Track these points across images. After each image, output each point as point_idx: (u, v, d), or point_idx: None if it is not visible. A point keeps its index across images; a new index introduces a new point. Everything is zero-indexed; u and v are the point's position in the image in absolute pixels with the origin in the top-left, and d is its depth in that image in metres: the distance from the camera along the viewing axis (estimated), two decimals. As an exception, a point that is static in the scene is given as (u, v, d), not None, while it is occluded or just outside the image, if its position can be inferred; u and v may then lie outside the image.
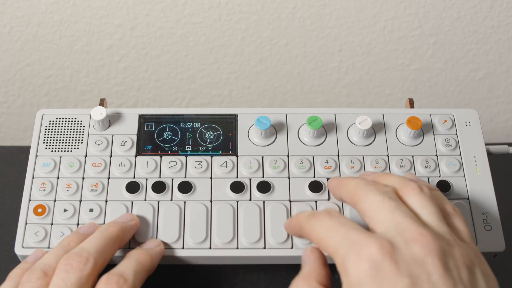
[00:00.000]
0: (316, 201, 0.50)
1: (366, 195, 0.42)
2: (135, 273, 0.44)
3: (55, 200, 0.50)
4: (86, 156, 0.52)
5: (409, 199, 0.42)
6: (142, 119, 0.54)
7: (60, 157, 0.52)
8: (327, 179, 0.51)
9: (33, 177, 0.51)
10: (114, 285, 0.42)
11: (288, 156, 0.52)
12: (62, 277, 0.42)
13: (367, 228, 0.42)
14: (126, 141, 0.53)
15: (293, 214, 0.48)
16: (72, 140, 0.53)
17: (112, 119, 0.54)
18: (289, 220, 0.47)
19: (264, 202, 0.50)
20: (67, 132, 0.53)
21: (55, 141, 0.53)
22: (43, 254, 0.46)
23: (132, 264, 0.44)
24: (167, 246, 0.48)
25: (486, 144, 0.54)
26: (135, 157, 0.52)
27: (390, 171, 0.52)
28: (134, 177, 0.51)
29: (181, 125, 0.54)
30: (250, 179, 0.51)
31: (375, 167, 0.52)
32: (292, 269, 0.53)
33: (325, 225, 0.41)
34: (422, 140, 0.53)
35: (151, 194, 0.50)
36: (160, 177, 0.51)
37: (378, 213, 0.41)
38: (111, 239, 0.45)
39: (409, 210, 0.41)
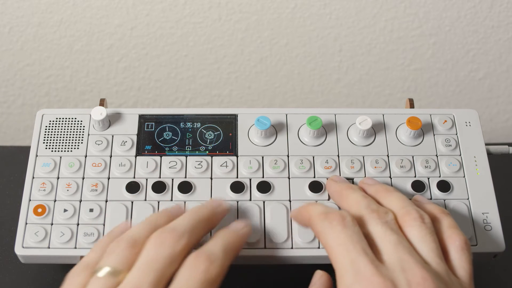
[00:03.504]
0: (316, 201, 0.50)
1: (368, 222, 0.43)
2: (224, 252, 0.43)
3: (55, 200, 0.50)
4: (86, 156, 0.52)
5: (409, 231, 0.43)
6: (142, 119, 0.54)
7: (60, 157, 0.52)
8: (327, 179, 0.51)
9: (33, 177, 0.51)
10: (204, 262, 0.41)
11: (288, 156, 0.52)
12: (155, 251, 0.41)
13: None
14: (126, 141, 0.53)
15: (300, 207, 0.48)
16: (72, 140, 0.53)
17: (112, 119, 0.54)
18: (298, 209, 0.47)
19: (264, 202, 0.50)
20: (67, 132, 0.53)
21: (55, 141, 0.53)
22: (128, 227, 0.46)
23: (220, 243, 0.43)
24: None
25: (486, 144, 0.54)
26: (135, 157, 0.52)
27: (390, 171, 0.52)
28: (134, 177, 0.51)
29: (181, 125, 0.54)
30: (250, 179, 0.51)
31: (375, 167, 0.52)
32: (293, 268, 0.53)
33: (337, 238, 0.42)
34: (422, 140, 0.53)
35: (151, 194, 0.50)
36: (160, 177, 0.51)
37: (380, 242, 0.42)
38: (203, 220, 0.45)
39: (410, 247, 0.42)
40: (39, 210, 0.49)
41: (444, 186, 0.51)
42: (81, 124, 0.54)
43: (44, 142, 0.53)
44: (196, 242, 0.44)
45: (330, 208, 0.45)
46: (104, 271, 0.41)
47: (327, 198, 0.50)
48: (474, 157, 0.53)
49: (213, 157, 0.52)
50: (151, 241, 0.42)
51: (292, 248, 0.48)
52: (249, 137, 0.53)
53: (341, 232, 0.42)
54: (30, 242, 0.48)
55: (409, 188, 0.51)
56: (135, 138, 0.53)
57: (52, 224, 0.49)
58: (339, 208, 0.49)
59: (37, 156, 0.52)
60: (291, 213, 0.49)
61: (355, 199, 0.46)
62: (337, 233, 0.42)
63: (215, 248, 0.43)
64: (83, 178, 0.51)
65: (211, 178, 0.51)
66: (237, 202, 0.50)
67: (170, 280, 0.41)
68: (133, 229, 0.44)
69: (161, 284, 0.40)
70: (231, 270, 0.53)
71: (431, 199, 0.51)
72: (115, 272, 0.41)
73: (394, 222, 0.43)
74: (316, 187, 0.51)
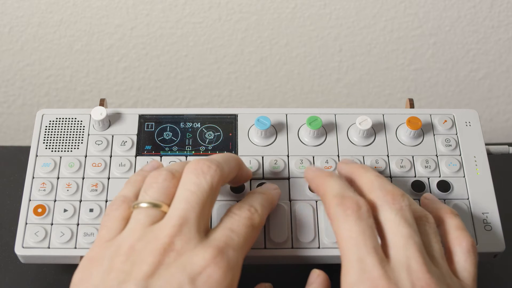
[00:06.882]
0: (316, 201, 0.50)
1: (382, 207, 0.43)
2: (262, 207, 0.44)
3: (55, 200, 0.50)
4: (86, 156, 0.52)
5: (418, 227, 0.43)
6: (142, 119, 0.54)
7: (60, 157, 0.52)
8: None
9: (33, 177, 0.51)
10: (246, 212, 0.43)
11: (288, 156, 0.52)
12: (194, 181, 0.42)
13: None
14: (126, 141, 0.53)
15: (317, 169, 0.48)
16: (72, 140, 0.53)
17: (112, 119, 0.54)
18: (313, 175, 0.47)
19: (264, 202, 0.50)
20: (67, 132, 0.53)
21: (55, 141, 0.53)
22: (159, 165, 0.47)
23: (258, 198, 0.45)
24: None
25: (486, 144, 0.54)
26: (135, 157, 0.52)
27: (390, 171, 0.52)
28: (134, 177, 0.51)
29: (181, 125, 0.54)
30: (250, 179, 0.51)
31: (375, 167, 0.52)
32: (293, 268, 0.53)
33: (350, 230, 0.41)
34: (422, 140, 0.53)
35: (151, 194, 0.50)
36: (160, 177, 0.51)
37: (391, 234, 0.41)
38: (235, 159, 0.46)
39: (421, 242, 0.41)
40: (39, 210, 0.49)
41: (444, 186, 0.51)
42: (81, 124, 0.54)
43: (44, 142, 0.53)
44: (228, 177, 0.45)
45: (346, 191, 0.43)
46: (146, 203, 0.42)
47: (327, 198, 0.50)
48: (474, 157, 0.53)
49: (213, 157, 0.52)
50: (189, 170, 0.42)
51: (292, 248, 0.48)
52: (249, 137, 0.53)
53: (355, 225, 0.41)
54: (30, 242, 0.48)
55: (409, 188, 0.51)
56: (135, 138, 0.53)
57: (52, 224, 0.49)
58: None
59: (37, 156, 0.52)
60: (305, 171, 0.48)
61: (368, 179, 0.45)
62: (350, 224, 0.41)
63: (254, 202, 0.44)
64: (83, 178, 0.51)
65: (211, 178, 0.51)
66: (237, 202, 0.50)
67: (209, 212, 0.42)
68: (169, 165, 0.45)
69: (204, 216, 0.41)
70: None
71: (431, 199, 0.51)
72: (157, 204, 0.42)
73: (409, 209, 0.42)
74: (316, 187, 0.51)
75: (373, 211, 0.43)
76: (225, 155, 0.45)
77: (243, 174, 0.48)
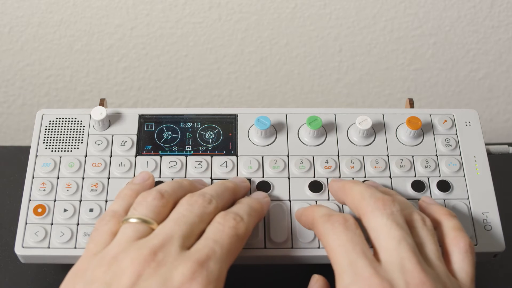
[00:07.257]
0: (316, 201, 0.50)
1: (373, 213, 0.43)
2: (249, 216, 0.44)
3: (55, 200, 0.50)
4: (86, 156, 0.52)
5: (413, 229, 0.43)
6: (142, 119, 0.54)
7: (60, 157, 0.52)
8: (327, 179, 0.51)
9: (33, 177, 0.51)
10: (231, 220, 0.43)
11: (288, 156, 0.52)
12: (187, 207, 0.43)
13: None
14: (126, 141, 0.53)
15: (307, 206, 0.48)
16: (72, 140, 0.53)
17: (112, 119, 0.54)
18: (302, 210, 0.48)
19: (264, 202, 0.50)
20: (67, 132, 0.53)
21: (55, 141, 0.53)
22: (150, 176, 0.48)
23: (245, 207, 0.45)
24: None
25: (486, 144, 0.54)
26: (135, 157, 0.52)
27: (390, 171, 0.52)
28: (134, 177, 0.51)
29: (181, 125, 0.54)
30: (250, 179, 0.51)
31: (375, 167, 0.52)
32: (293, 268, 0.53)
33: (338, 239, 0.42)
34: (422, 140, 0.53)
35: (151, 194, 0.50)
36: (160, 177, 0.51)
37: (383, 239, 0.42)
38: (229, 190, 0.47)
39: (414, 244, 0.41)
40: (39, 210, 0.49)
41: (444, 186, 0.51)
42: (81, 124, 0.54)
43: (44, 142, 0.53)
44: (223, 208, 0.45)
45: (333, 211, 0.45)
46: (135, 218, 0.43)
47: (327, 198, 0.50)
48: (474, 157, 0.53)
49: (213, 157, 0.52)
50: (183, 201, 0.44)
51: (292, 248, 0.48)
52: (249, 137, 0.53)
53: (342, 234, 0.42)
54: (30, 242, 0.48)
55: (409, 188, 0.51)
56: (135, 138, 0.53)
57: (52, 224, 0.49)
58: (343, 210, 0.49)
59: (37, 156, 0.52)
60: (295, 213, 0.49)
61: (358, 191, 0.45)
62: (338, 234, 0.42)
63: (240, 211, 0.44)
64: (83, 178, 0.51)
65: (211, 178, 0.51)
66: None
67: (199, 237, 0.42)
68: (159, 185, 0.46)
69: (191, 238, 0.42)
70: (230, 269, 0.53)
71: (431, 199, 0.51)
72: (146, 220, 0.42)
73: (400, 214, 0.43)
74: (316, 187, 0.51)
75: (365, 219, 0.43)
76: (221, 187, 0.46)
77: (240, 196, 0.48)
